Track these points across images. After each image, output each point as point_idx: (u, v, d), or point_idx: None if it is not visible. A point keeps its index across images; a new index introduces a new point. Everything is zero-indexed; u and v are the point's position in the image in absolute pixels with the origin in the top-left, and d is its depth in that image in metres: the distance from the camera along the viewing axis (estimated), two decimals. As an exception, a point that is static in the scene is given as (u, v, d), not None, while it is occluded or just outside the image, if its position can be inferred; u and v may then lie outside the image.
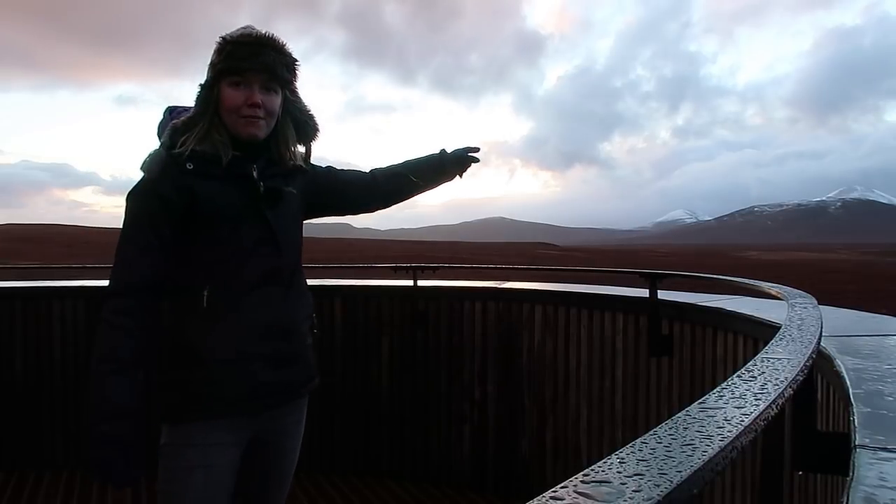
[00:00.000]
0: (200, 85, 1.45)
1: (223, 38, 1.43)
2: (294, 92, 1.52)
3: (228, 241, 1.42)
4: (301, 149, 1.59)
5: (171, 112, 1.55)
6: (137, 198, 1.43)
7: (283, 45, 1.46)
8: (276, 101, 1.47)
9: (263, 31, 1.44)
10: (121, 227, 1.44)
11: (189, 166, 1.41)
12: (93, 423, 1.34)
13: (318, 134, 1.60)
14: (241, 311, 1.42)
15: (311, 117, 1.57)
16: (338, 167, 1.75)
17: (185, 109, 1.51)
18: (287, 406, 1.54)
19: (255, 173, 1.47)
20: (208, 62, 1.46)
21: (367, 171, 1.77)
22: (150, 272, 1.39)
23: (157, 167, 1.43)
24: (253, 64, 1.41)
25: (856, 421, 0.89)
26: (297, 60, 1.49)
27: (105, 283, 4.54)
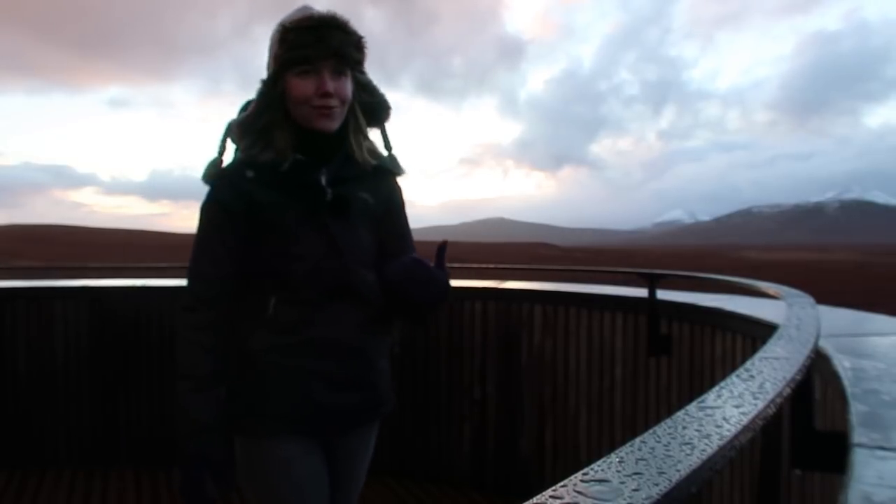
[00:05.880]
0: (262, 81, 1.34)
1: (283, 26, 1.30)
2: (362, 71, 1.38)
3: (291, 253, 1.32)
4: (375, 135, 1.44)
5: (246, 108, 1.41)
6: (204, 208, 1.35)
7: (348, 23, 1.32)
8: (348, 86, 1.33)
9: (324, 11, 1.31)
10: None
11: (249, 174, 1.32)
12: (181, 441, 1.29)
13: (391, 112, 1.43)
14: (306, 325, 1.32)
15: (381, 95, 1.42)
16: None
17: None
18: (352, 431, 1.44)
19: (323, 178, 1.35)
20: (268, 55, 1.34)
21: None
22: (223, 285, 1.32)
23: (216, 174, 1.35)
24: (321, 50, 1.28)
25: (853, 420, 0.90)
26: (363, 37, 1.35)
27: (108, 282, 4.52)
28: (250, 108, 1.34)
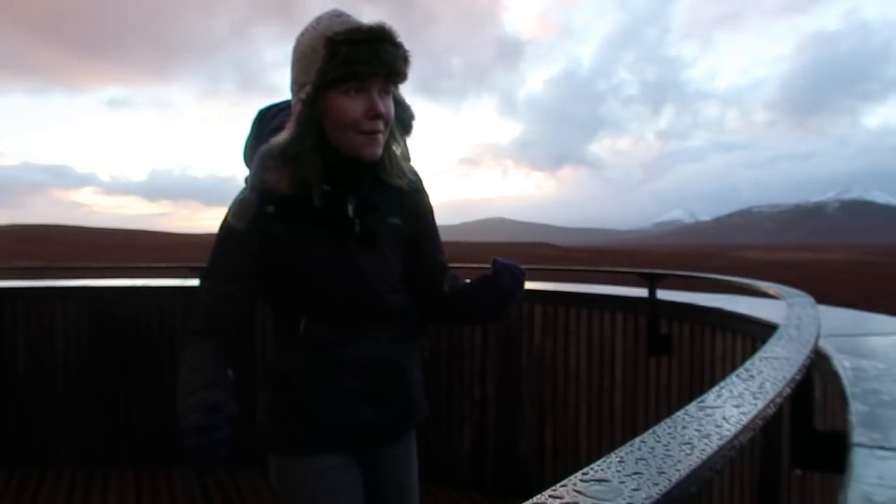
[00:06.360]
0: (300, 100, 1.17)
1: (329, 39, 1.14)
2: (397, 86, 1.25)
3: (318, 288, 1.26)
4: (400, 150, 1.33)
5: (262, 119, 1.30)
6: (219, 243, 1.26)
7: (397, 36, 1.17)
8: (392, 106, 1.22)
9: (373, 22, 1.16)
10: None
11: (270, 209, 1.22)
12: (179, 402, 1.14)
13: (415, 122, 1.32)
14: (339, 344, 1.29)
15: (409, 108, 1.30)
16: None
17: (281, 110, 1.29)
18: (392, 444, 1.42)
19: (350, 208, 1.25)
20: (298, 69, 1.19)
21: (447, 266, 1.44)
22: (231, 319, 1.26)
23: (240, 215, 1.23)
24: (375, 67, 1.14)
25: (853, 420, 0.90)
26: (408, 50, 1.20)
27: (108, 282, 4.49)
28: (289, 135, 1.19)
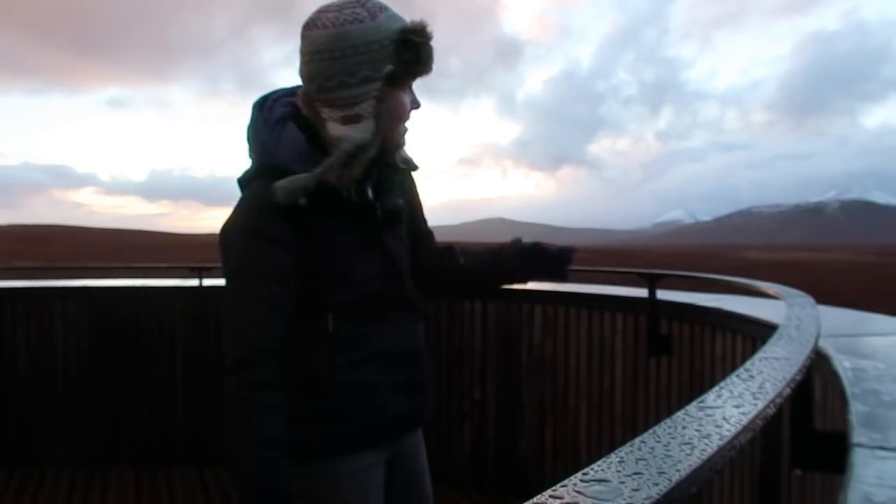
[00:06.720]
0: (374, 97, 1.17)
1: (410, 39, 1.15)
2: None
3: (348, 274, 1.25)
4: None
5: (262, 109, 1.27)
6: (252, 242, 1.19)
7: None
8: None
9: (419, 20, 1.18)
10: (230, 270, 1.21)
11: (302, 201, 1.17)
12: None
13: None
14: (369, 339, 1.28)
15: None
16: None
17: (276, 101, 1.27)
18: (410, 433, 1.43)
19: (369, 193, 1.27)
20: (365, 62, 1.16)
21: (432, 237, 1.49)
22: (284, 329, 1.19)
23: (294, 193, 1.16)
24: (431, 64, 1.19)
25: (853, 420, 0.90)
26: None
27: (108, 282, 4.47)
28: (370, 131, 1.18)
